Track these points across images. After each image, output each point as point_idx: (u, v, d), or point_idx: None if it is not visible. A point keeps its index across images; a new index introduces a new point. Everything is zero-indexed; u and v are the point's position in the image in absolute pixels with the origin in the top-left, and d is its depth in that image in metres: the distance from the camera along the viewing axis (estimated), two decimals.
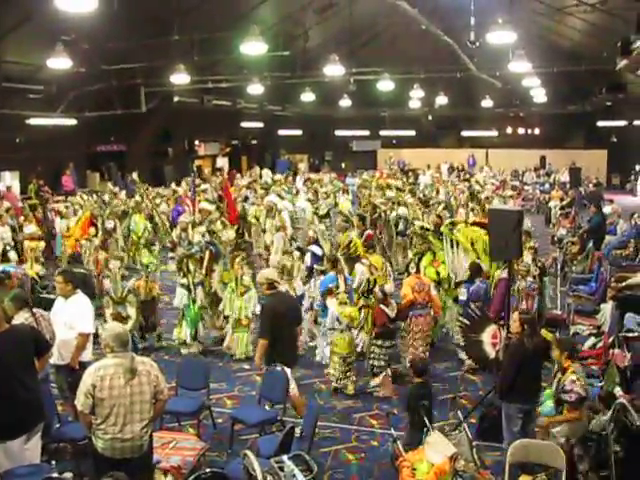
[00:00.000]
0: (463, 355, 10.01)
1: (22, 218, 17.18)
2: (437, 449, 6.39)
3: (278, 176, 27.82)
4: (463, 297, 10.34)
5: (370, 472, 7.42)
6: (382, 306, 9.42)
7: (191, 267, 11.23)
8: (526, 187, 31.44)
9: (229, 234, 13.18)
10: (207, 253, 11.35)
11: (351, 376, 9.36)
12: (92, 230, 14.97)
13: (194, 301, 10.99)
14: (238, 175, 30.89)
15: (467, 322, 9.34)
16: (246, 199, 19.95)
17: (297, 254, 12.14)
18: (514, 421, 7.10)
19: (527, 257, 11.17)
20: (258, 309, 10.95)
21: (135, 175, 19.26)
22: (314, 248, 12.52)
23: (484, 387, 9.29)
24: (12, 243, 15.55)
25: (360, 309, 9.52)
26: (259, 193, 20.27)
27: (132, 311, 10.55)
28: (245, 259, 11.45)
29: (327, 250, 12.51)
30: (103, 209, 17.22)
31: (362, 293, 9.64)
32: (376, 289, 9.62)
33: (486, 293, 10.13)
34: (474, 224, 12.03)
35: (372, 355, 9.52)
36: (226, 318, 11.04)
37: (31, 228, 15.93)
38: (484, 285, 10.22)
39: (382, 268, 10.68)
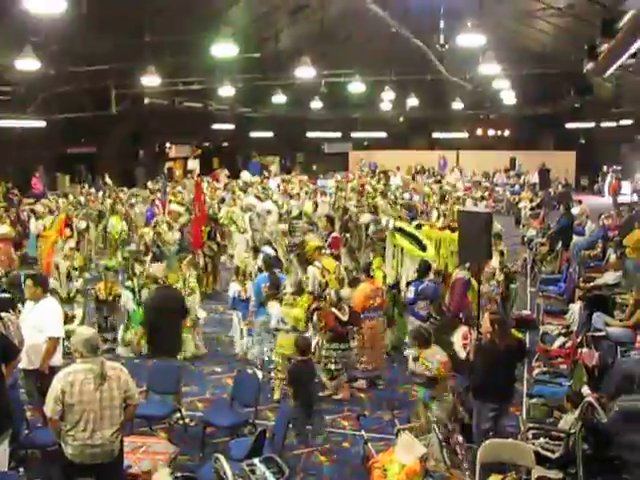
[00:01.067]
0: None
1: None
2: (408, 450, 6.43)
3: (256, 178, 27.82)
4: (411, 295, 10.27)
5: (342, 474, 7.44)
6: (334, 310, 9.30)
7: (137, 269, 11.28)
8: (496, 188, 31.73)
9: (174, 235, 13.21)
10: (150, 254, 11.40)
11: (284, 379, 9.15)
12: (67, 231, 14.89)
13: (139, 304, 10.95)
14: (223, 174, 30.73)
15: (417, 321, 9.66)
16: (223, 200, 19.90)
17: (251, 255, 12.28)
18: (485, 420, 7.17)
19: (494, 261, 11.17)
20: (201, 313, 11.13)
21: (107, 178, 19.13)
22: (266, 249, 12.54)
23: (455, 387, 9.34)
24: None
25: (313, 312, 9.53)
26: (237, 194, 20.25)
27: (79, 312, 10.67)
28: (191, 261, 11.51)
29: (281, 252, 12.53)
30: (79, 210, 17.13)
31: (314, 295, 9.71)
32: (331, 293, 9.59)
33: (435, 292, 10.15)
34: (444, 229, 12.13)
35: (327, 360, 9.38)
36: None
37: (4, 229, 15.78)
38: (433, 285, 10.21)
39: (335, 271, 10.61)
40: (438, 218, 16.94)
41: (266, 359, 10.01)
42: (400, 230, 11.45)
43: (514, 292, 12.11)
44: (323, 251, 12.29)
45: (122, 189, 21.33)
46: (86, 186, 23.81)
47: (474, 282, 10.06)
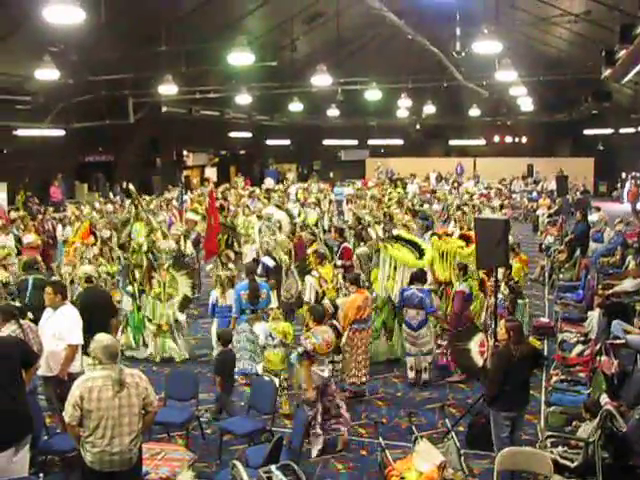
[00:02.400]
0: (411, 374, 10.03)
1: (22, 227, 17.22)
2: (425, 458, 6.42)
3: (279, 185, 27.90)
4: (396, 300, 10.26)
5: None
6: (334, 321, 9.08)
7: (137, 275, 11.37)
8: (514, 195, 31.62)
9: (169, 244, 13.32)
10: (146, 262, 11.46)
11: (285, 394, 9.05)
12: (92, 239, 15.07)
13: (139, 308, 11.14)
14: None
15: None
16: (246, 208, 20.00)
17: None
18: (502, 428, 7.13)
19: (499, 274, 10.83)
20: (182, 317, 11.18)
21: (131, 186, 19.24)
22: (265, 259, 12.46)
23: (473, 395, 9.31)
24: (15, 252, 15.56)
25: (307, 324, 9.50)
26: (261, 202, 20.35)
27: None
28: (173, 267, 11.61)
29: (285, 261, 12.51)
30: (104, 218, 17.36)
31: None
32: (327, 303, 9.46)
33: (422, 301, 9.83)
34: (461, 237, 12.02)
35: None
36: (150, 321, 11.16)
37: (30, 237, 15.98)
38: (421, 294, 9.90)
39: (332, 281, 10.57)
40: (455, 227, 16.87)
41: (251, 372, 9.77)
42: (398, 238, 11.23)
43: (522, 308, 11.68)
44: (335, 262, 12.37)
45: (144, 197, 21.49)
46: (110, 195, 23.97)
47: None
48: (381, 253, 10.98)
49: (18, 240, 16.30)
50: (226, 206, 20.51)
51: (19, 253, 15.81)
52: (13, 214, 19.17)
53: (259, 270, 12.05)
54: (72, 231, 16.28)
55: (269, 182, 30.63)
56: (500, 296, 10.39)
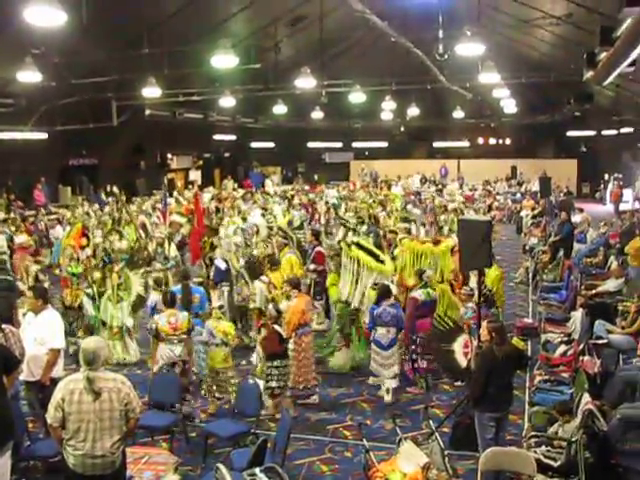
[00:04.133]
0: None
1: (13, 229, 17.24)
2: (409, 459, 6.43)
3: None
4: (366, 320, 9.94)
5: None
6: (276, 326, 9.11)
7: (96, 276, 11.49)
8: (498, 197, 31.76)
9: (122, 244, 13.39)
10: (100, 263, 11.59)
11: (215, 392, 9.05)
12: (84, 240, 15.10)
13: (98, 309, 11.23)
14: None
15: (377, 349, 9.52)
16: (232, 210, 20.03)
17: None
18: (487, 429, 7.15)
19: (472, 281, 10.80)
20: (129, 321, 11.22)
21: (115, 188, 19.20)
22: (218, 262, 12.35)
23: (457, 396, 9.35)
24: (7, 252, 15.53)
25: (259, 327, 9.55)
26: (258, 204, 20.35)
27: None
28: (128, 266, 11.81)
29: (234, 265, 12.52)
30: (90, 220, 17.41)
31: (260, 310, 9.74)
32: (269, 307, 9.50)
33: (394, 318, 9.52)
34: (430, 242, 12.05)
35: (269, 377, 8.99)
36: (104, 325, 11.21)
37: (22, 238, 15.96)
38: (394, 310, 9.59)
39: (282, 287, 10.46)
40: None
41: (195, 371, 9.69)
42: (357, 245, 11.06)
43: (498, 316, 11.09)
44: (308, 267, 12.30)
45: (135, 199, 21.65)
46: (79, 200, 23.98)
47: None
48: (342, 256, 10.83)
49: (10, 240, 16.37)
50: (221, 208, 20.59)
51: (12, 253, 15.88)
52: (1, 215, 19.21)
53: (212, 272, 12.15)
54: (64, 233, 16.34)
55: (269, 184, 30.71)
56: (470, 305, 10.19)
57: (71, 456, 5.52)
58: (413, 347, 9.93)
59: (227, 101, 23.34)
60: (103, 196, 24.59)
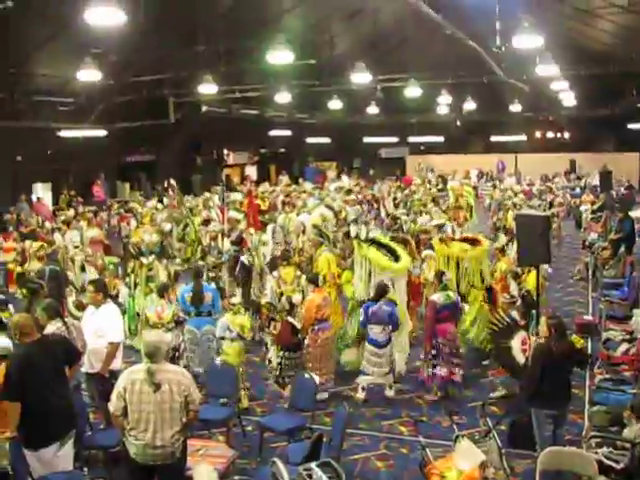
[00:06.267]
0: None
1: (85, 223, 17.70)
2: (466, 457, 6.35)
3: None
4: (361, 318, 9.68)
5: (399, 479, 7.39)
6: (289, 318, 9.12)
7: (130, 267, 11.85)
8: (556, 192, 31.16)
9: (153, 237, 13.61)
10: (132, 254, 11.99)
11: (243, 388, 9.12)
12: None
13: (133, 298, 11.37)
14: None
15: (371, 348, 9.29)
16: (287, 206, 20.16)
17: None
18: (544, 426, 7.04)
19: (513, 285, 10.29)
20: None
21: (173, 181, 19.50)
22: (243, 258, 12.47)
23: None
24: (80, 246, 15.93)
25: (269, 321, 9.55)
26: (326, 200, 20.40)
27: None
28: (158, 259, 12.04)
29: (258, 261, 12.53)
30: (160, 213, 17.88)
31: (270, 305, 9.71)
32: (283, 299, 9.51)
33: (390, 316, 9.30)
34: (463, 240, 11.80)
35: (280, 367, 9.16)
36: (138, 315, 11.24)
37: (93, 232, 16.36)
38: (389, 308, 9.33)
39: (292, 282, 10.43)
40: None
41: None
42: (374, 242, 10.78)
43: (533, 318, 10.07)
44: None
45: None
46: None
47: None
48: (356, 254, 10.65)
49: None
50: (290, 202, 20.74)
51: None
52: (70, 213, 19.76)
53: (237, 269, 12.22)
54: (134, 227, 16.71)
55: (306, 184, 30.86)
56: (514, 313, 9.41)
57: (133, 446, 5.64)
58: (434, 352, 9.47)
59: (282, 97, 23.44)
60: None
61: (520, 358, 8.53)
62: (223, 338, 9.20)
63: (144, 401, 5.58)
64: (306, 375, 8.18)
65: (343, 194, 22.88)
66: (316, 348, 9.43)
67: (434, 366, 9.47)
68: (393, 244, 10.93)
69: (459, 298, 9.95)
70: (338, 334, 10.50)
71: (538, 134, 37.21)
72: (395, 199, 23.23)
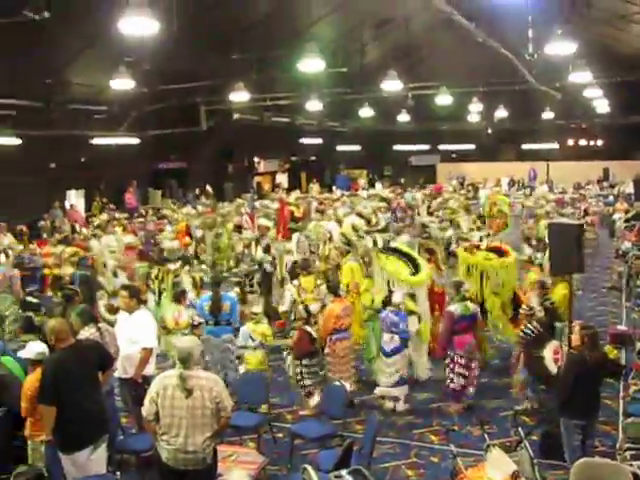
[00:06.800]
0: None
1: (121, 229, 17.96)
2: (498, 466, 6.29)
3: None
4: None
5: None
6: (306, 327, 9.13)
7: (154, 273, 11.88)
8: (589, 200, 30.83)
9: (173, 244, 13.65)
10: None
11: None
12: (187, 239, 15.65)
13: (158, 304, 11.42)
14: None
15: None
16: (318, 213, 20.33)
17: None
18: (573, 436, 6.97)
19: (533, 298, 9.93)
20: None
21: (209, 187, 19.67)
22: (267, 266, 12.59)
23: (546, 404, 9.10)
24: (116, 252, 16.15)
25: (290, 330, 9.59)
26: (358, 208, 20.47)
27: None
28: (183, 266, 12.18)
29: (278, 270, 12.51)
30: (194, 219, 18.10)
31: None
32: (299, 307, 9.53)
33: (395, 325, 9.20)
34: (490, 250, 11.67)
35: (299, 376, 9.19)
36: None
37: (129, 238, 16.59)
38: (396, 317, 9.24)
39: (313, 291, 10.38)
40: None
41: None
42: (395, 251, 10.77)
43: (559, 333, 9.66)
44: None
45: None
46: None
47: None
48: (374, 264, 10.59)
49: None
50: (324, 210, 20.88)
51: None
52: (104, 217, 20.08)
53: (257, 276, 12.27)
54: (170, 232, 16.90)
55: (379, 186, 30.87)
56: (530, 327, 9.00)
57: (164, 450, 5.69)
58: (451, 365, 9.33)
59: (314, 105, 23.51)
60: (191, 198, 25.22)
61: (552, 368, 8.44)
62: (245, 347, 9.28)
63: (176, 406, 5.61)
64: (336, 383, 8.18)
65: (377, 201, 22.90)
66: (335, 357, 9.45)
67: (451, 380, 9.36)
68: (414, 253, 10.88)
69: (477, 309, 9.77)
70: (364, 344, 10.50)
71: (571, 142, 36.88)
72: (429, 207, 23.13)
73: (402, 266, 10.35)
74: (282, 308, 10.59)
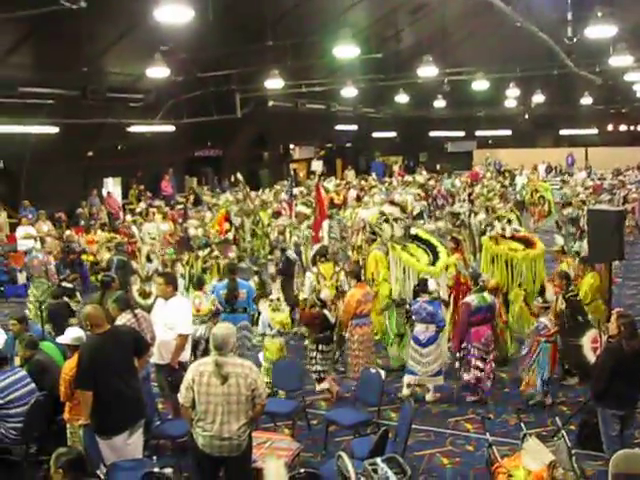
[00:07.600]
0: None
1: (160, 217, 18.11)
2: (535, 456, 6.23)
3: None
4: None
5: (465, 477, 7.32)
6: (325, 310, 9.14)
7: (184, 259, 12.10)
8: (629, 186, 30.24)
9: (198, 231, 13.66)
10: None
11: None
12: (227, 225, 15.77)
13: (187, 289, 11.36)
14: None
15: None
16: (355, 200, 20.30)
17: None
18: (611, 426, 6.87)
19: (549, 291, 9.52)
20: None
21: (239, 176, 19.71)
22: (289, 253, 12.45)
23: (584, 393, 8.98)
24: (157, 237, 16.29)
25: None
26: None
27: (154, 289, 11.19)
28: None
29: (305, 257, 12.44)
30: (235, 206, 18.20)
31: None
32: (312, 295, 9.49)
33: (432, 316, 9.04)
34: (513, 239, 11.39)
35: (313, 361, 9.21)
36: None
37: (166, 226, 16.71)
38: (430, 307, 9.07)
39: (331, 277, 10.36)
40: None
41: None
42: (415, 238, 10.53)
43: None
44: None
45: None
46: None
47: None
48: (391, 253, 10.36)
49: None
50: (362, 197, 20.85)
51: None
52: (142, 205, 20.26)
53: (280, 264, 12.22)
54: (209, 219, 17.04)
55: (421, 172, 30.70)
56: (544, 319, 8.89)
57: (200, 437, 5.73)
58: (467, 357, 9.21)
59: (349, 91, 23.41)
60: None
61: (590, 357, 8.34)
62: (264, 335, 9.33)
63: (212, 393, 5.65)
64: (372, 370, 8.16)
65: (415, 188, 22.74)
66: (354, 343, 9.43)
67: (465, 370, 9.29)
68: (435, 240, 10.66)
69: (495, 300, 9.56)
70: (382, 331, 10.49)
71: (610, 127, 36.26)
72: (470, 194, 22.87)
73: (421, 255, 10.20)
74: (302, 295, 10.59)
